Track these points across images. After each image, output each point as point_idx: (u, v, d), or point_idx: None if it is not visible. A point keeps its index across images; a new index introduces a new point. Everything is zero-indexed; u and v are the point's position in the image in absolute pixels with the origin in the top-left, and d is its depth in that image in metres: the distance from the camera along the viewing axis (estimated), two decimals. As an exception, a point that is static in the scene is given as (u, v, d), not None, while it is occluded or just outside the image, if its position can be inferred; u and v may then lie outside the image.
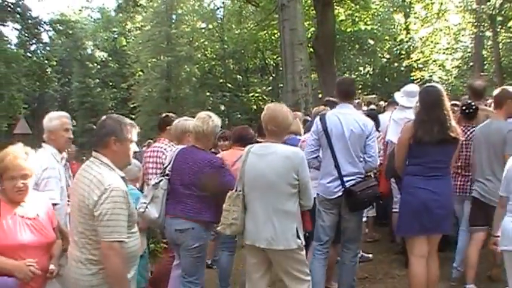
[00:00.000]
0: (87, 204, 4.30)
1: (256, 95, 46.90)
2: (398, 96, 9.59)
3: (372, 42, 41.97)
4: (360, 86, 43.69)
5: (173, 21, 54.14)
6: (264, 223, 5.59)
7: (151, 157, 8.26)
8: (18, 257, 4.48)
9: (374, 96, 23.81)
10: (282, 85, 33.13)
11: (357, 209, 6.82)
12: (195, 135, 6.58)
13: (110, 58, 63.89)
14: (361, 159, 6.78)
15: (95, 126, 9.56)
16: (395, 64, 43.33)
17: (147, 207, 6.33)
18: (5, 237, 4.47)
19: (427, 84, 7.54)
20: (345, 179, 6.65)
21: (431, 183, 6.28)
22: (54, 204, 5.57)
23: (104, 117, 4.82)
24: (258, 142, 6.52)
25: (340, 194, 6.57)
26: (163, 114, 8.98)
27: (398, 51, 39.61)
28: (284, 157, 5.61)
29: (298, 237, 5.62)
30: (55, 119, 6.29)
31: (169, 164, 6.59)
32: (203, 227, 6.32)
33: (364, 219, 9.04)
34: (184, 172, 6.36)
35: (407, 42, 38.05)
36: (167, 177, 6.52)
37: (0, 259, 4.38)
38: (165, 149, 8.06)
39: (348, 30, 35.28)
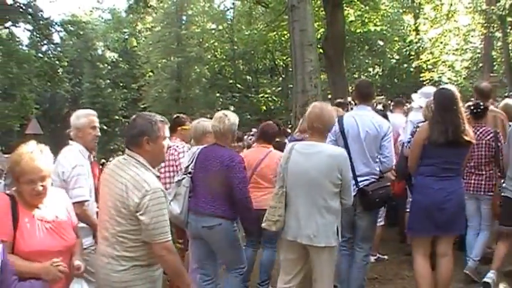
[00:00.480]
0: (128, 205, 4.33)
1: (266, 95, 46.74)
2: (416, 97, 9.68)
3: (381, 43, 41.96)
4: (369, 87, 43.72)
5: (183, 22, 54.30)
6: (306, 220, 5.73)
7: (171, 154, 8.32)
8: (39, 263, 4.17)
9: (382, 97, 23.85)
10: (291, 86, 33.07)
11: (370, 209, 6.90)
12: (214, 135, 6.67)
13: (121, 59, 63.90)
14: (377, 160, 6.89)
15: (105, 127, 9.65)
16: (405, 65, 43.34)
17: (170, 203, 6.37)
18: (24, 243, 4.08)
19: (442, 86, 7.63)
20: (359, 179, 6.76)
21: (444, 183, 6.34)
22: (84, 201, 5.74)
23: (134, 116, 4.81)
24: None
25: (354, 193, 6.53)
26: (175, 115, 9.04)
27: (407, 52, 39.64)
28: (329, 156, 5.75)
29: (337, 234, 5.80)
30: (83, 116, 6.36)
31: (191, 162, 6.68)
32: (229, 221, 6.42)
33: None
34: (207, 169, 6.44)
35: (416, 43, 38.03)
36: (189, 175, 6.62)
37: (24, 263, 4.05)
38: (178, 147, 8.10)
39: (358, 31, 35.27)
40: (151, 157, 4.60)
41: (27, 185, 4.15)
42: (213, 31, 52.00)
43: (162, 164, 8.24)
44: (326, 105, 6.14)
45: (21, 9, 33.52)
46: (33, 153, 4.22)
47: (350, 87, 25.45)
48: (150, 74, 55.69)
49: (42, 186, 4.21)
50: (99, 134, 6.56)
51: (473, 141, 6.47)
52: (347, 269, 7.04)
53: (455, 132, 6.22)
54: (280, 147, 7.84)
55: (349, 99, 12.89)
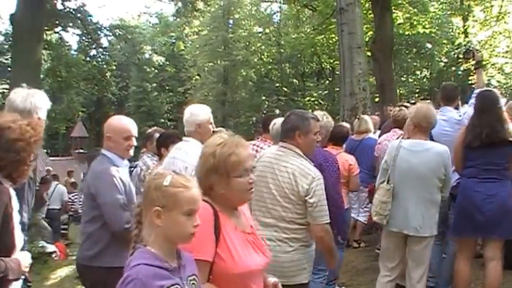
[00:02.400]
0: (297, 191, 4.91)
1: (312, 99, 46.66)
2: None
3: (429, 45, 41.49)
4: (417, 90, 43.28)
5: (230, 25, 54.56)
6: (414, 212, 6.17)
7: None
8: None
9: (429, 101, 23.64)
10: (338, 89, 32.95)
11: None
12: None
13: (168, 62, 64.44)
14: None
15: (150, 130, 9.60)
16: (453, 68, 42.78)
17: None
18: (233, 262, 3.39)
19: (483, 88, 7.62)
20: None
21: (485, 185, 6.40)
22: None
23: (289, 112, 5.60)
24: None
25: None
26: (266, 115, 9.02)
27: (456, 55, 39.18)
28: (437, 154, 6.26)
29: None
30: (202, 112, 6.53)
31: None
32: None
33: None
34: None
35: (465, 45, 37.54)
36: None
37: None
38: (261, 147, 8.13)
39: (406, 33, 34.96)
40: (303, 149, 5.18)
41: (243, 177, 3.53)
42: (260, 34, 52.17)
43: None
44: (430, 106, 6.61)
45: (71, 15, 33.87)
46: (239, 139, 3.73)
47: (398, 91, 25.23)
48: (197, 77, 56.07)
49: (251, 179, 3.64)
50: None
51: None
52: (438, 262, 7.38)
53: (490, 133, 6.34)
54: None
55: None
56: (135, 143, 5.65)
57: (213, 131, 6.52)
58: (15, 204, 3.98)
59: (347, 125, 9.30)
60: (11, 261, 3.85)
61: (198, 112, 6.49)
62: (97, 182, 5.38)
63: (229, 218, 3.54)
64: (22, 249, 4.16)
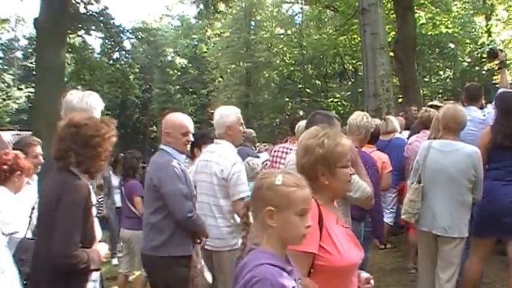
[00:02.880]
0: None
1: (336, 100, 46.60)
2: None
3: (452, 45, 41.24)
4: (440, 91, 43.05)
5: (252, 27, 54.54)
6: (442, 212, 6.20)
7: (277, 157, 8.50)
8: (350, 282, 3.50)
9: (452, 101, 23.48)
10: (361, 90, 32.85)
11: None
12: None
13: (190, 65, 64.54)
14: None
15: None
16: (477, 68, 42.51)
17: None
18: (339, 256, 3.35)
19: (503, 90, 7.62)
20: None
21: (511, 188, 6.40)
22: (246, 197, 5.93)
23: (313, 112, 5.64)
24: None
25: None
26: (293, 117, 9.09)
27: (479, 55, 38.89)
28: (467, 155, 6.27)
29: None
30: (232, 114, 6.57)
31: None
32: (357, 222, 6.66)
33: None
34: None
35: (488, 45, 37.27)
36: None
37: None
38: (290, 149, 8.20)
39: (429, 33, 34.74)
40: None
41: (346, 168, 3.57)
42: (282, 36, 52.03)
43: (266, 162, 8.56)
44: (459, 107, 6.64)
45: (93, 18, 34.10)
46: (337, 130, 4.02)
47: (421, 91, 25.09)
48: (220, 79, 56.10)
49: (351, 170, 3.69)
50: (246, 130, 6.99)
51: None
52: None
53: None
54: None
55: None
56: (191, 138, 5.96)
57: (244, 132, 6.63)
58: (93, 198, 4.22)
59: (379, 121, 9.34)
60: (92, 252, 4.09)
61: (227, 114, 6.54)
62: (160, 173, 5.64)
63: (330, 211, 3.55)
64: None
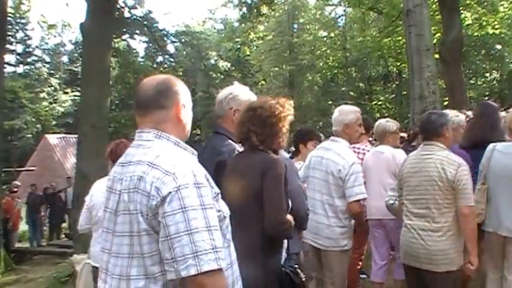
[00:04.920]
0: (447, 178, 5.44)
1: (380, 103, 46.26)
2: None
3: (499, 46, 40.69)
4: (487, 93, 42.47)
5: (295, 30, 54.57)
6: (506, 213, 6.05)
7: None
8: None
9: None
10: (405, 92, 32.63)
11: None
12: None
13: (233, 68, 64.73)
14: None
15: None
16: (524, 69, 41.96)
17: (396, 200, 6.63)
18: None
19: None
20: None
21: None
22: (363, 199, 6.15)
23: (428, 112, 6.34)
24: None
25: None
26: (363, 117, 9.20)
27: (527, 56, 38.36)
28: None
29: None
30: (351, 112, 6.53)
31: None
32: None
33: None
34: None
35: (537, 46, 36.79)
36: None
37: None
38: (364, 149, 8.37)
39: (475, 34, 34.33)
40: (449, 143, 5.83)
41: None
42: (325, 38, 51.85)
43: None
44: None
45: (138, 22, 34.42)
46: None
47: (468, 93, 24.81)
48: (263, 82, 56.20)
49: None
50: (364, 131, 7.10)
51: None
52: None
53: None
54: None
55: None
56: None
57: (361, 134, 6.82)
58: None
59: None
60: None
61: (346, 112, 6.57)
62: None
63: None
64: None
